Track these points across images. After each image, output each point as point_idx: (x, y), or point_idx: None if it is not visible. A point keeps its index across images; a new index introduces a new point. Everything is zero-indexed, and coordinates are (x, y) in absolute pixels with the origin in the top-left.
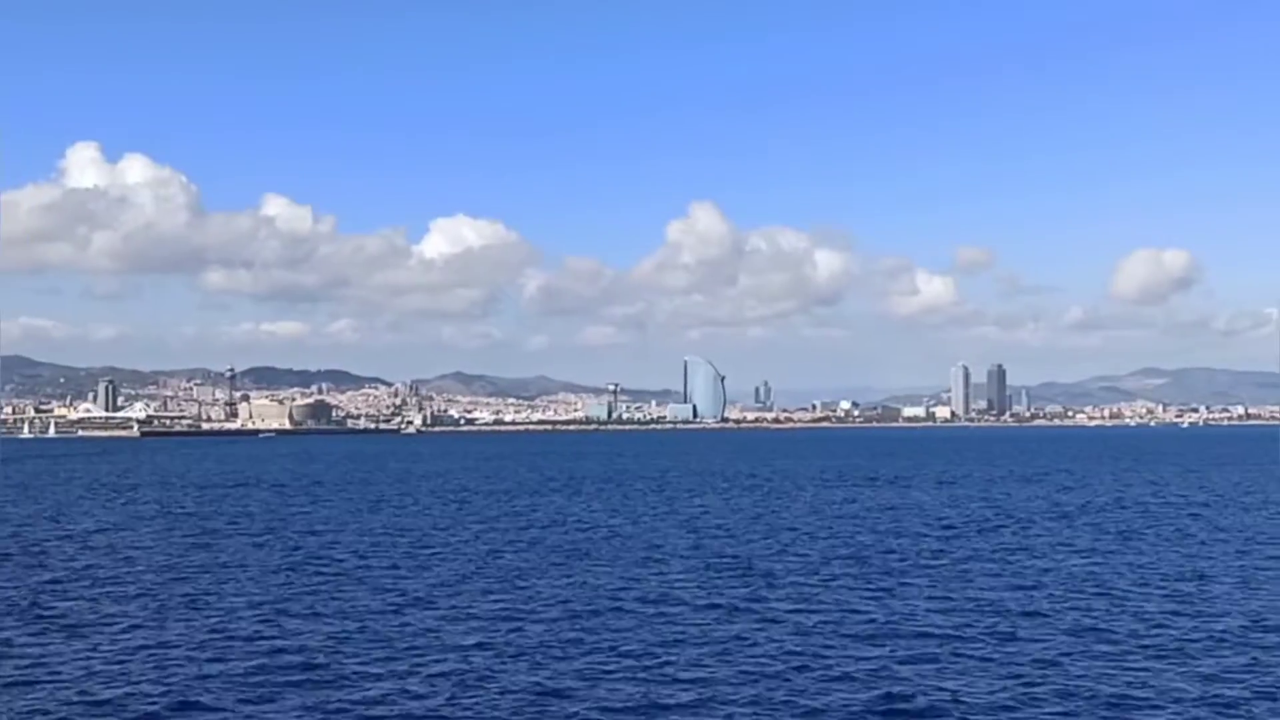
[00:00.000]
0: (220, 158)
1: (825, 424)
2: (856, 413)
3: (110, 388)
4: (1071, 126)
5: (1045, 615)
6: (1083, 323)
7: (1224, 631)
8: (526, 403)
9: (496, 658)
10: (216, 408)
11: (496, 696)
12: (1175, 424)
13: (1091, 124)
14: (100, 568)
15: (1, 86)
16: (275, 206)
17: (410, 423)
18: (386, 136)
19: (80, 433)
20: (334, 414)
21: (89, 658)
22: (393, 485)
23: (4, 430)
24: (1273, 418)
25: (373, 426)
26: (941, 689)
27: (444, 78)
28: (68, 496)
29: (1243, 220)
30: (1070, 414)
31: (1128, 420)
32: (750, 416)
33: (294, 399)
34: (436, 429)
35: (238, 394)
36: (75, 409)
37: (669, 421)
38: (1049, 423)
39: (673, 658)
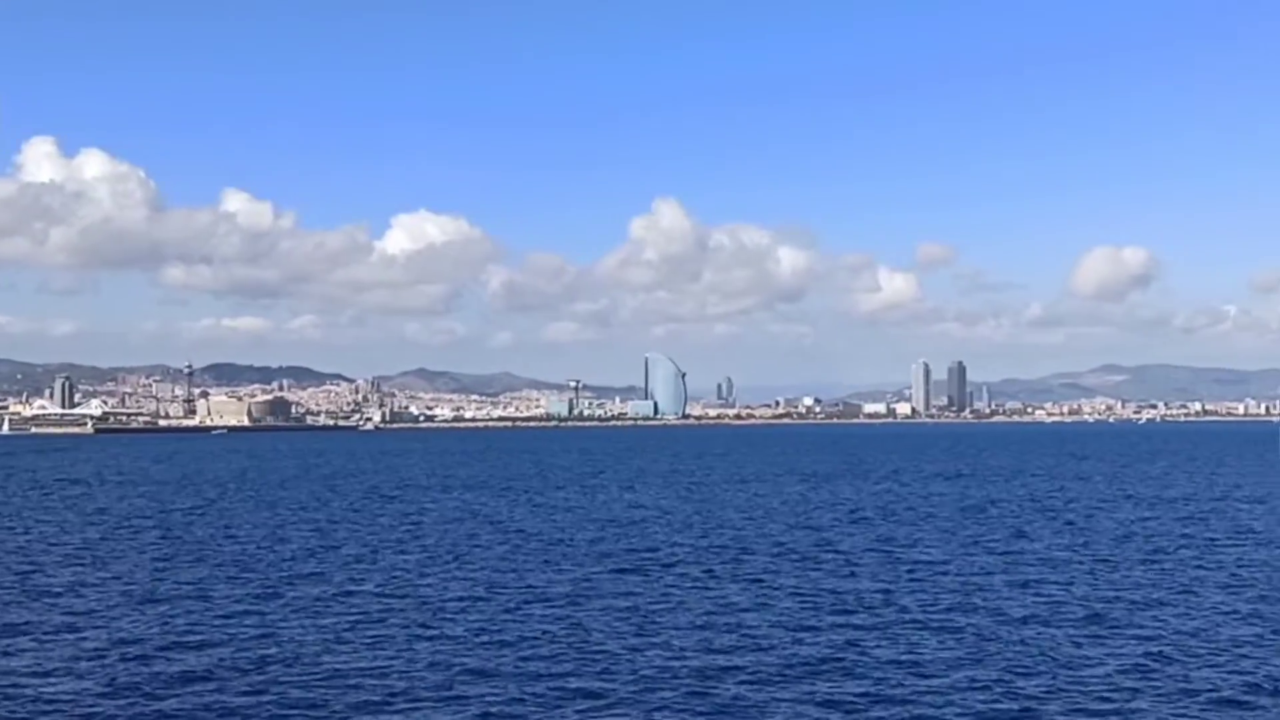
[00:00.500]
0: (179, 153)
1: (787, 420)
2: (818, 409)
3: (67, 384)
4: (1032, 126)
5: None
6: (1044, 319)
7: (1001, 621)
8: (490, 399)
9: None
10: (175, 405)
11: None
12: (1133, 420)
13: (1051, 123)
14: None
15: None
16: (235, 202)
17: (369, 419)
18: (348, 132)
19: (34, 430)
20: (294, 411)
21: None
22: (292, 486)
23: None
24: (1230, 414)
25: (331, 423)
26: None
27: (406, 74)
28: None
29: (1201, 219)
30: (1030, 410)
31: (1086, 417)
32: (712, 413)
33: (254, 396)
34: (395, 426)
35: (196, 391)
36: (31, 405)
37: (630, 418)
38: (1008, 419)
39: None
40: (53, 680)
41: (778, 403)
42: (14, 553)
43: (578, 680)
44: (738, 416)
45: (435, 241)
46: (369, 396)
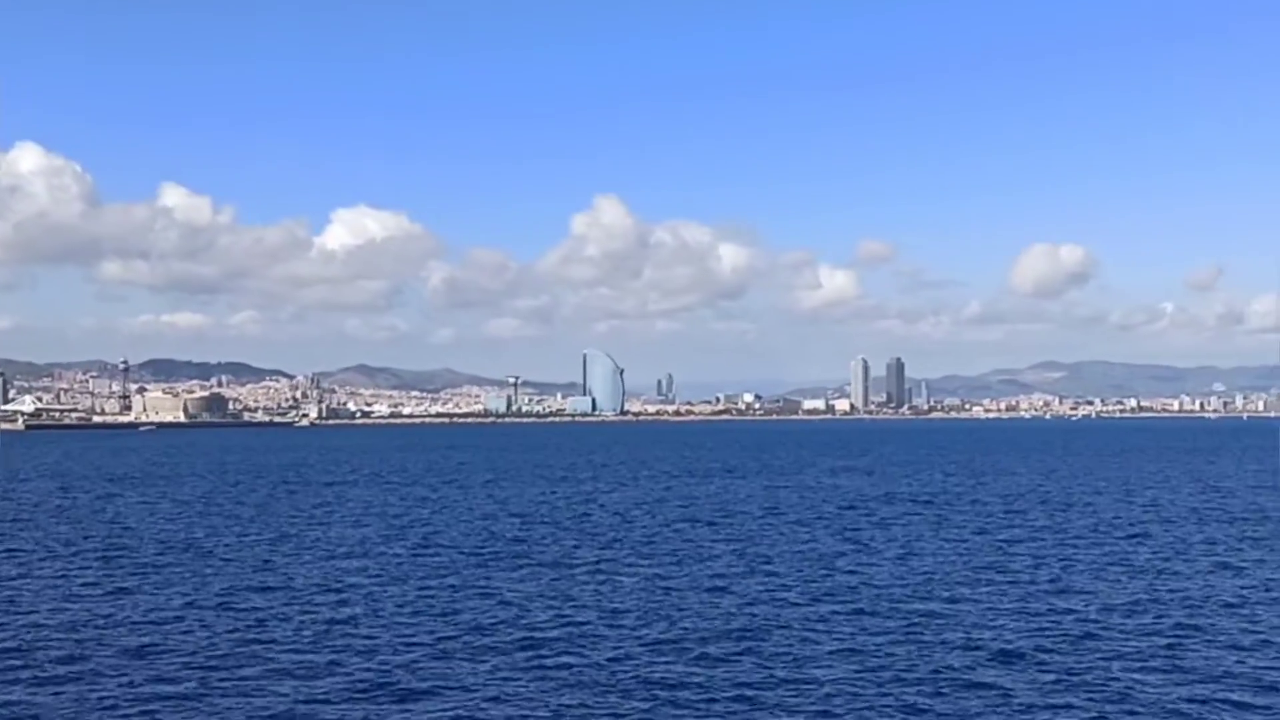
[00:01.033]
0: (116, 147)
1: (726, 417)
2: (758, 406)
3: (1, 380)
4: (971, 125)
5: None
6: (983, 317)
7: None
8: (431, 396)
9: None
10: (111, 401)
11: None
12: (1069, 417)
13: (991, 123)
14: None
15: None
16: (173, 197)
17: (305, 415)
18: (287, 126)
19: None
20: (231, 407)
21: None
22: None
23: None
24: (1165, 410)
25: (268, 420)
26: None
27: (346, 67)
28: None
29: (1138, 217)
30: (968, 407)
31: (1023, 413)
32: (651, 409)
33: (191, 392)
34: (331, 422)
35: (134, 387)
36: None
37: (568, 414)
38: (946, 415)
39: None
40: None
41: (718, 399)
42: None
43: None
44: (677, 413)
45: (376, 237)
46: (308, 393)
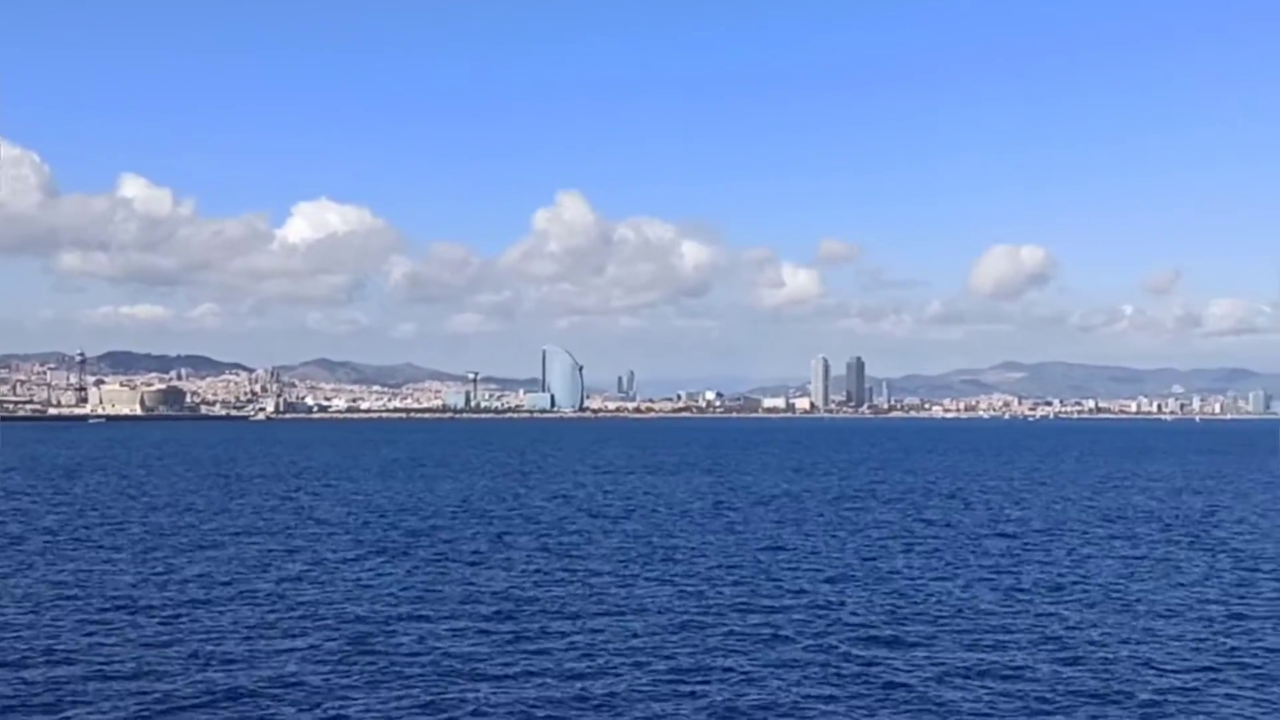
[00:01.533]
0: (74, 137)
1: (686, 414)
2: (719, 403)
3: None
4: (932, 127)
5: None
6: (944, 316)
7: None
8: (391, 390)
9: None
10: (68, 393)
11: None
12: (1026, 417)
13: (952, 125)
14: None
15: None
16: (133, 188)
17: (262, 409)
18: (249, 118)
19: None
20: (189, 400)
21: None
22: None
23: None
24: (1123, 412)
25: (225, 414)
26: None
27: (308, 60)
28: None
29: (1098, 220)
30: (927, 406)
31: (982, 413)
32: (611, 406)
33: (150, 385)
34: (288, 416)
35: (91, 379)
36: None
37: (526, 411)
38: (905, 415)
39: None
40: None
41: (679, 396)
42: None
43: None
44: (637, 410)
45: (337, 231)
46: (267, 386)
